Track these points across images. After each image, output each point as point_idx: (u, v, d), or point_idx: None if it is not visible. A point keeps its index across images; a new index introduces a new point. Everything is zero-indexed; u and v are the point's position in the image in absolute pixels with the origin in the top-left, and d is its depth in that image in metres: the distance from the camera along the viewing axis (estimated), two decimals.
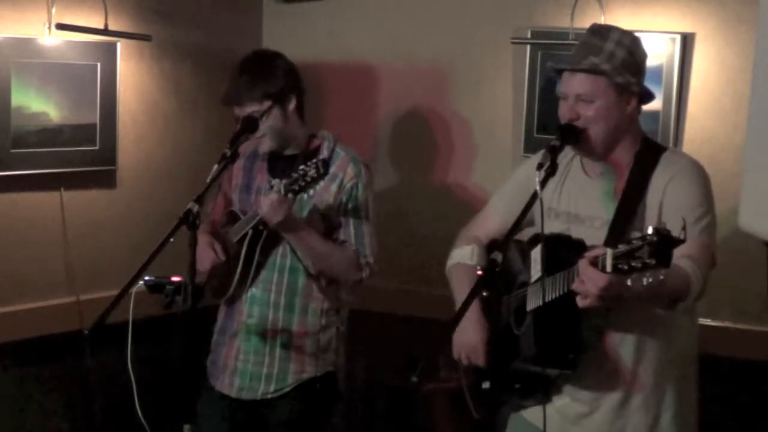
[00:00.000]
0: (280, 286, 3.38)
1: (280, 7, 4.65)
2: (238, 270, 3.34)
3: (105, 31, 3.90)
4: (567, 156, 2.86)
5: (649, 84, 2.84)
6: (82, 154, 3.99)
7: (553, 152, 2.68)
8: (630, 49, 2.75)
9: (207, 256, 3.39)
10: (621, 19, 3.77)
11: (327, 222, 3.38)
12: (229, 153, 3.14)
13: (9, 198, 3.86)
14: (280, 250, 3.37)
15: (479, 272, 2.97)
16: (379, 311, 4.30)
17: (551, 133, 2.81)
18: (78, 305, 4.00)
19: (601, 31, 2.79)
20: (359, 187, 3.38)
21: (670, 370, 2.80)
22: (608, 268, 2.35)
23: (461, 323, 2.67)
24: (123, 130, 4.12)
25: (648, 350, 2.77)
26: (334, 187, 3.34)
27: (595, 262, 2.41)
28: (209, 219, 3.54)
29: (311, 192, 3.16)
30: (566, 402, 2.84)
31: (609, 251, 2.35)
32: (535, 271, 2.70)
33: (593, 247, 2.59)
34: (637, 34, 2.85)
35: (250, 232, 3.30)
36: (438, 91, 4.38)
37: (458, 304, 2.90)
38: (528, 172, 2.80)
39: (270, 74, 3.36)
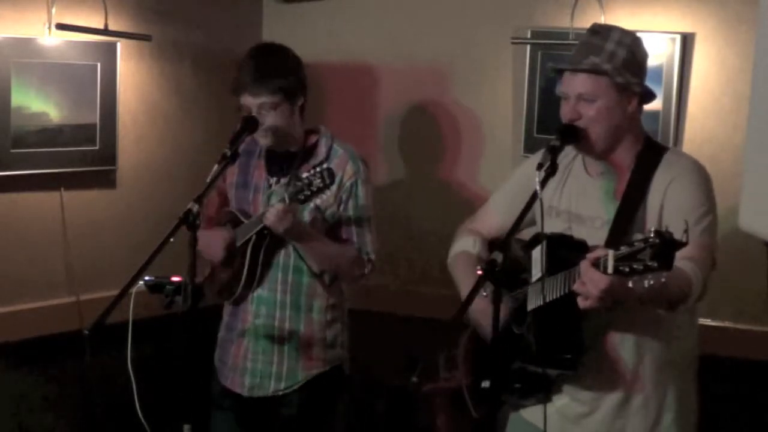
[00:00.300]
0: (285, 286, 3.40)
1: (280, 7, 4.65)
2: (244, 272, 3.35)
3: (105, 31, 3.90)
4: (569, 155, 2.86)
5: (649, 84, 2.84)
6: (82, 154, 3.99)
7: (553, 152, 2.68)
8: (631, 48, 2.75)
9: (217, 243, 3.38)
10: (621, 19, 3.77)
11: (328, 220, 3.38)
12: (229, 153, 3.14)
13: (9, 198, 3.86)
14: (283, 250, 3.38)
15: (479, 272, 2.97)
16: (379, 311, 4.30)
17: (551, 133, 2.81)
18: (78, 305, 4.00)
19: (602, 31, 2.79)
20: (359, 184, 3.39)
21: (670, 370, 2.80)
22: (609, 270, 2.35)
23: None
24: (123, 130, 4.11)
25: (648, 350, 2.77)
26: (334, 186, 3.34)
27: (596, 264, 2.41)
28: (204, 217, 3.53)
29: (317, 201, 3.15)
30: (566, 402, 2.84)
31: (611, 253, 2.35)
32: (536, 270, 2.70)
33: (595, 247, 2.59)
34: (637, 34, 2.85)
35: (254, 236, 3.30)
36: (438, 91, 4.38)
37: (462, 292, 2.90)
38: (528, 171, 2.80)
39: (285, 69, 3.35)
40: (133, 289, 2.90)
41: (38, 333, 3.92)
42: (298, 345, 3.41)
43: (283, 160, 3.40)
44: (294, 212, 3.18)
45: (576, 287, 2.48)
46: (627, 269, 2.32)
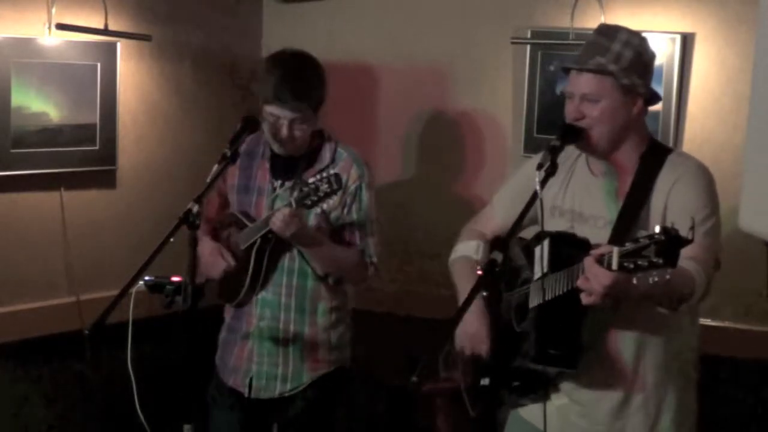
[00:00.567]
0: (289, 289, 3.40)
1: (280, 7, 4.65)
2: (249, 276, 3.35)
3: (105, 31, 3.90)
4: (573, 154, 2.86)
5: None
6: (82, 154, 3.99)
7: (553, 152, 2.69)
8: (638, 50, 2.75)
9: (217, 262, 3.39)
10: (621, 19, 3.76)
11: (332, 223, 3.39)
12: (229, 153, 3.14)
13: (9, 198, 3.86)
14: (288, 254, 3.38)
15: (479, 272, 2.97)
16: (380, 311, 4.30)
17: (551, 133, 2.81)
18: (78, 305, 4.00)
19: (608, 32, 2.78)
20: (363, 188, 3.40)
21: (671, 370, 2.80)
22: (614, 266, 2.35)
23: (464, 317, 2.67)
24: (123, 130, 4.11)
25: (649, 350, 2.77)
26: (335, 198, 3.33)
27: (600, 260, 2.41)
28: (203, 218, 3.53)
29: (324, 206, 3.14)
30: (566, 402, 2.84)
31: (615, 249, 2.35)
32: (539, 268, 2.70)
33: (598, 245, 2.59)
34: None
35: (259, 240, 3.30)
36: (438, 91, 4.38)
37: (461, 297, 2.90)
38: (530, 171, 2.80)
39: (320, 84, 3.35)
40: (133, 289, 2.90)
41: (38, 333, 3.92)
42: (302, 347, 3.42)
43: (288, 164, 3.40)
44: (300, 217, 3.18)
45: (580, 283, 2.48)
46: (632, 266, 2.32)
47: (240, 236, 3.38)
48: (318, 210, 3.24)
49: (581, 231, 2.78)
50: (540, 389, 2.83)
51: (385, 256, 3.49)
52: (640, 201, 2.73)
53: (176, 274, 3.05)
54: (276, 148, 3.38)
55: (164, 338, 3.37)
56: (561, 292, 2.60)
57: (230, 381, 3.49)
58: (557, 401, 2.84)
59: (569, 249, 2.66)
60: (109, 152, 4.07)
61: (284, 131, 3.29)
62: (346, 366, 3.52)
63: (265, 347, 3.43)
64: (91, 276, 4.05)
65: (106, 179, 4.12)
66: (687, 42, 3.85)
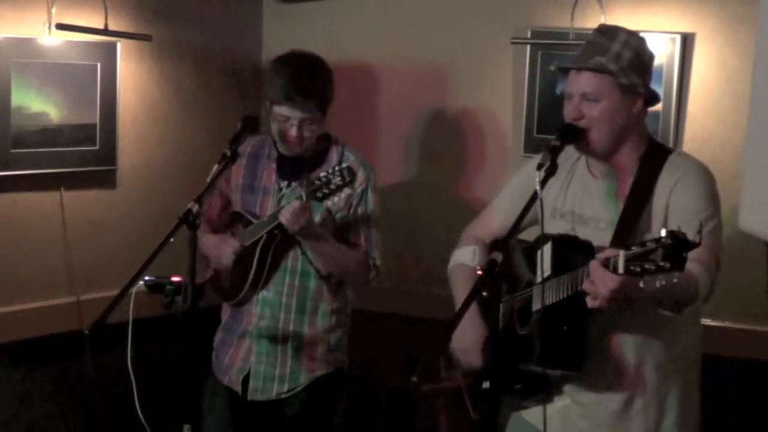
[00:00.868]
0: (291, 289, 3.40)
1: (280, 7, 4.65)
2: (252, 273, 3.35)
3: (105, 31, 3.90)
4: (573, 156, 2.85)
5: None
6: (82, 154, 3.99)
7: (553, 152, 2.68)
8: (637, 50, 2.75)
9: (225, 250, 3.38)
10: (621, 19, 3.76)
11: (336, 224, 3.39)
12: (229, 153, 3.14)
13: (9, 198, 3.86)
14: (291, 253, 3.38)
15: (479, 272, 2.97)
16: (380, 311, 4.30)
17: (551, 133, 2.81)
18: (78, 305, 4.00)
19: (608, 32, 2.78)
20: (369, 190, 3.42)
21: (673, 371, 2.80)
22: (620, 270, 2.35)
23: (459, 325, 2.67)
24: (123, 130, 4.11)
25: (651, 352, 2.77)
26: (346, 191, 3.33)
27: (606, 264, 2.41)
28: (204, 218, 3.53)
29: (335, 199, 3.14)
30: (567, 403, 2.83)
31: (621, 253, 2.34)
32: (541, 271, 2.69)
33: (600, 248, 2.59)
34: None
35: (265, 236, 3.30)
36: (438, 91, 4.38)
37: (458, 305, 2.90)
38: (530, 172, 2.80)
39: (330, 85, 3.38)
40: (133, 289, 2.90)
41: (38, 333, 3.92)
42: (301, 348, 3.42)
43: (295, 165, 3.40)
44: (310, 211, 3.18)
45: (585, 286, 2.47)
46: (638, 269, 2.31)
47: (244, 233, 3.38)
48: (323, 207, 3.23)
49: (582, 233, 2.78)
50: (542, 392, 2.82)
51: (385, 256, 3.49)
52: (641, 202, 2.72)
53: (176, 274, 3.05)
54: (283, 149, 3.39)
55: (164, 338, 3.37)
56: (564, 296, 2.60)
57: (225, 379, 3.49)
58: (559, 402, 2.84)
59: (572, 252, 2.65)
60: (109, 152, 4.07)
61: (294, 132, 3.30)
62: (344, 368, 3.52)
63: (264, 347, 3.43)
64: (91, 276, 4.05)
65: (106, 179, 4.12)
66: (687, 42, 3.85)
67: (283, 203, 3.36)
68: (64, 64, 3.88)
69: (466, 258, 3.06)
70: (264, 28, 4.68)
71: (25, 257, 3.91)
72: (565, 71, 2.82)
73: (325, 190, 3.08)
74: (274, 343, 3.42)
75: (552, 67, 4.02)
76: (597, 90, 2.72)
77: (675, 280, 2.29)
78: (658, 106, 3.78)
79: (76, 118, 3.94)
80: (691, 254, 2.31)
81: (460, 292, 2.97)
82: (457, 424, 3.92)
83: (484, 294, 2.95)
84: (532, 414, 2.91)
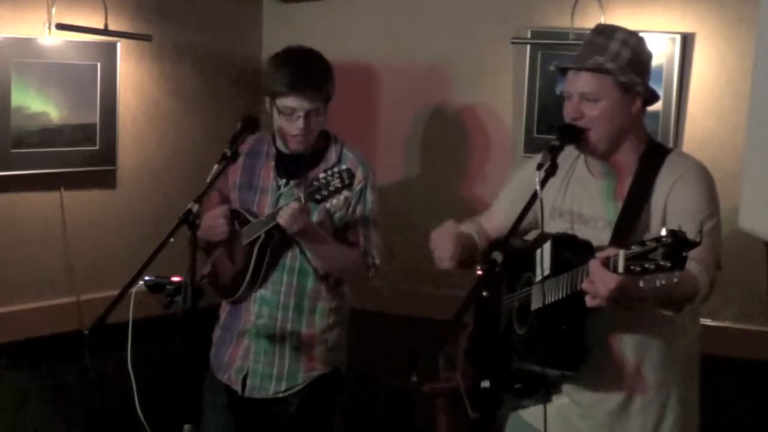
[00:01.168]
0: (289, 288, 3.40)
1: (280, 7, 4.65)
2: (250, 271, 3.35)
3: (105, 31, 3.90)
4: (572, 155, 2.85)
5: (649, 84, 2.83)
6: (82, 154, 3.99)
7: (553, 152, 2.68)
8: (636, 49, 2.75)
9: (217, 220, 3.36)
10: (621, 19, 3.76)
11: (335, 223, 3.39)
12: (229, 153, 3.14)
13: (9, 198, 3.86)
14: (290, 252, 3.38)
15: (479, 272, 2.97)
16: (379, 311, 4.30)
17: (551, 133, 2.81)
18: (78, 305, 4.00)
19: (606, 31, 2.78)
20: (368, 189, 3.41)
21: (672, 371, 2.79)
22: (620, 269, 2.34)
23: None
24: (123, 130, 4.11)
25: (651, 351, 2.77)
26: (345, 194, 3.33)
27: (606, 263, 2.40)
28: (202, 216, 3.52)
29: (334, 201, 3.14)
30: (566, 403, 2.83)
31: (622, 252, 2.34)
32: (541, 270, 2.69)
33: (600, 248, 2.59)
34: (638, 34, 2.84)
35: (263, 235, 3.30)
36: (438, 91, 4.38)
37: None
38: (530, 172, 2.80)
39: (332, 75, 3.38)
40: (133, 289, 2.91)
41: (38, 333, 3.92)
42: (299, 347, 3.42)
43: (293, 163, 3.40)
44: (308, 212, 3.18)
45: (585, 286, 2.47)
46: (638, 268, 2.31)
47: (243, 231, 3.38)
48: (321, 206, 3.23)
49: (581, 232, 2.78)
50: (541, 391, 2.82)
51: (385, 255, 3.49)
52: (640, 201, 2.72)
53: (176, 274, 3.05)
54: (282, 146, 3.38)
55: (164, 338, 3.37)
56: (564, 295, 2.59)
57: (224, 378, 3.49)
58: (558, 401, 2.84)
59: (571, 251, 2.65)
60: (109, 152, 4.07)
61: (301, 124, 3.29)
62: (341, 368, 3.52)
63: (262, 346, 3.42)
64: (91, 276, 4.05)
65: (106, 179, 4.12)
66: (687, 42, 3.85)
67: (281, 202, 3.36)
68: (64, 64, 3.88)
69: (470, 229, 3.05)
70: (264, 28, 4.68)
71: (25, 257, 3.91)
72: (564, 71, 2.82)
73: (324, 192, 3.07)
74: (272, 342, 3.41)
75: (552, 67, 4.02)
76: (596, 90, 2.72)
77: (675, 280, 2.29)
78: (658, 106, 3.79)
79: (76, 118, 3.94)
80: (691, 254, 2.31)
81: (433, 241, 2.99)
82: (456, 424, 3.92)
83: (484, 294, 2.95)
84: (531, 414, 2.91)
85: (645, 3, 3.92)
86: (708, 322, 3.72)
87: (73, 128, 3.94)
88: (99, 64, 3.98)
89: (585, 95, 2.74)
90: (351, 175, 3.08)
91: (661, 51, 3.82)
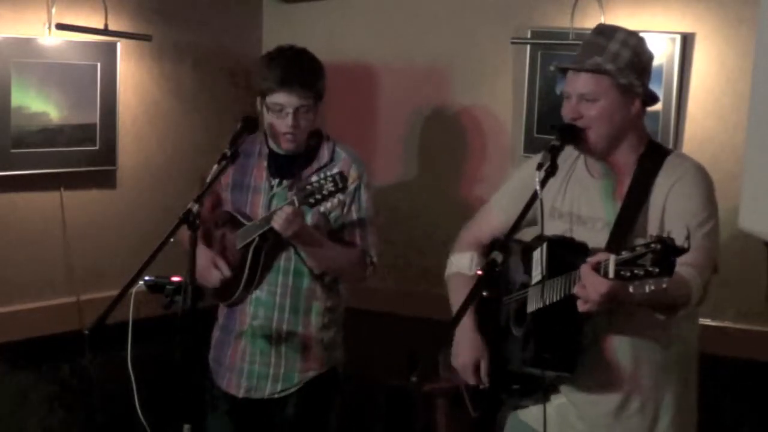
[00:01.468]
0: (285, 289, 3.39)
1: (280, 7, 4.65)
2: (245, 274, 3.35)
3: (105, 31, 3.90)
4: (572, 156, 2.85)
5: (649, 84, 2.83)
6: (82, 154, 3.99)
7: (553, 152, 2.68)
8: (635, 50, 2.74)
9: (212, 273, 3.37)
10: (621, 19, 3.76)
11: (331, 223, 3.39)
12: (229, 153, 3.14)
13: (9, 198, 3.86)
14: (284, 254, 3.38)
15: (479, 272, 2.97)
16: (379, 311, 4.30)
17: (551, 133, 2.81)
18: (78, 305, 4.00)
19: (606, 32, 2.78)
20: (362, 187, 3.40)
21: (669, 373, 2.79)
22: (610, 274, 2.34)
23: (455, 341, 2.64)
24: (123, 130, 4.11)
25: (647, 353, 2.77)
26: (339, 197, 3.32)
27: (597, 268, 2.40)
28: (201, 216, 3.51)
29: (328, 205, 3.13)
30: (564, 402, 2.83)
31: (612, 257, 2.34)
32: (537, 272, 2.69)
33: (597, 249, 2.59)
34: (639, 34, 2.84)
35: (257, 238, 3.29)
36: (438, 91, 4.38)
37: (453, 308, 2.90)
38: (529, 171, 2.79)
39: (322, 73, 3.39)
40: (133, 289, 2.91)
41: (38, 333, 3.92)
42: (295, 347, 3.41)
43: (285, 162, 3.40)
44: (303, 216, 3.18)
45: (576, 290, 2.47)
46: (628, 274, 2.31)
47: (237, 234, 3.38)
48: (321, 209, 3.23)
49: (579, 233, 2.77)
50: (538, 392, 2.82)
51: (385, 255, 3.49)
52: (639, 203, 2.72)
53: (176, 274, 3.05)
54: (276, 144, 3.38)
55: (164, 338, 3.37)
56: (558, 298, 2.60)
57: (224, 382, 3.48)
58: (556, 401, 2.84)
59: (567, 253, 2.65)
60: (109, 152, 4.07)
61: (290, 121, 3.29)
62: (338, 368, 3.51)
63: (258, 346, 3.42)
64: (91, 276, 4.05)
65: (106, 179, 4.12)
66: (687, 42, 3.85)
67: (274, 202, 3.36)
68: (64, 64, 3.88)
69: (463, 266, 3.05)
70: (264, 28, 4.68)
71: (25, 257, 3.91)
72: (563, 71, 2.82)
73: (318, 196, 3.07)
74: (269, 343, 3.41)
75: (552, 68, 4.02)
76: (594, 90, 2.72)
77: (664, 285, 2.29)
78: (658, 106, 3.78)
79: (76, 118, 3.94)
80: (685, 258, 2.31)
81: (458, 301, 2.95)
82: (456, 424, 3.92)
83: (485, 294, 2.95)
84: (529, 414, 2.91)
85: (645, 3, 3.92)
86: (708, 322, 3.72)
87: (73, 128, 3.94)
88: (99, 64, 3.98)
89: (583, 96, 2.73)
90: (344, 178, 3.08)
91: (661, 51, 3.82)
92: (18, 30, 3.77)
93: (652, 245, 2.26)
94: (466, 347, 2.92)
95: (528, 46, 4.11)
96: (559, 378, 2.78)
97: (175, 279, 3.06)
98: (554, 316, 2.64)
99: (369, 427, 4.48)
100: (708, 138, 3.87)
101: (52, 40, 3.83)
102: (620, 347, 2.76)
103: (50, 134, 3.88)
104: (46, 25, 3.82)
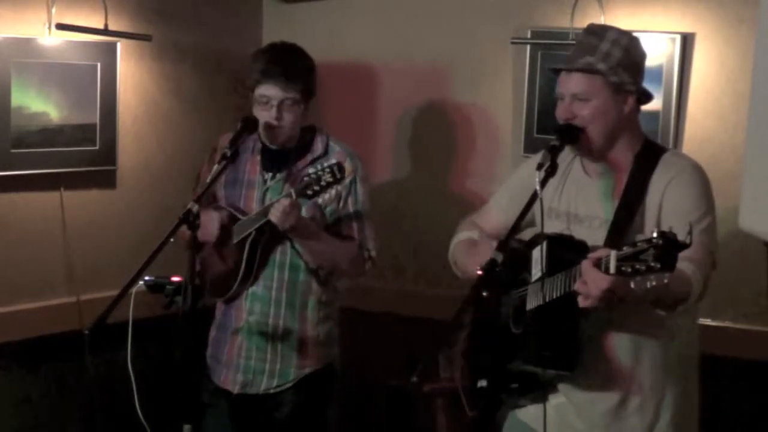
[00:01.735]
0: (281, 283, 3.39)
1: (280, 7, 4.65)
2: (242, 269, 3.35)
3: (105, 31, 3.90)
4: (568, 156, 2.85)
5: (649, 84, 2.84)
6: (82, 154, 3.99)
7: (553, 152, 2.69)
8: (627, 48, 2.75)
9: (212, 223, 3.34)
10: (621, 19, 3.77)
11: (326, 217, 3.39)
12: (229, 153, 3.14)
13: (9, 198, 3.86)
14: (279, 248, 3.37)
15: (479, 272, 2.97)
16: (380, 311, 4.30)
17: (551, 133, 2.81)
18: (78, 305, 4.00)
19: (597, 31, 2.79)
20: (357, 181, 3.40)
21: (669, 372, 2.79)
22: (612, 270, 2.35)
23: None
24: (123, 130, 4.11)
25: (646, 351, 2.77)
26: (336, 188, 3.32)
27: (598, 264, 2.41)
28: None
29: (326, 196, 3.14)
30: (563, 401, 2.83)
31: (613, 253, 2.35)
32: (536, 270, 2.69)
33: (595, 247, 2.59)
34: (636, 34, 2.84)
35: (254, 232, 3.29)
36: (438, 91, 4.38)
37: (467, 264, 2.90)
38: (529, 171, 2.80)
39: (311, 70, 3.39)
40: (133, 289, 2.91)
41: (38, 333, 3.92)
42: (292, 343, 3.41)
43: (278, 156, 3.40)
44: (300, 208, 3.18)
45: (577, 287, 2.48)
46: (629, 270, 2.31)
47: (233, 229, 3.37)
48: (311, 202, 3.22)
49: (577, 232, 2.78)
50: (538, 391, 2.82)
51: (385, 256, 3.49)
52: (635, 201, 2.72)
53: (176, 274, 3.05)
54: (266, 138, 3.38)
55: (164, 338, 3.38)
56: (558, 295, 2.60)
57: (221, 379, 3.48)
58: (555, 400, 2.84)
59: (567, 251, 2.65)
60: (109, 152, 4.07)
61: (273, 113, 3.29)
62: (334, 363, 3.51)
63: (254, 342, 3.42)
64: (91, 276, 4.05)
65: (106, 179, 4.12)
66: (687, 42, 3.85)
67: (268, 196, 3.36)
68: (64, 64, 3.88)
69: (470, 235, 3.04)
70: (264, 28, 4.68)
71: (25, 257, 3.91)
72: (556, 72, 2.82)
73: (316, 187, 3.07)
74: (265, 338, 3.41)
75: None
76: (587, 90, 2.73)
77: (666, 281, 2.30)
78: (658, 106, 3.79)
79: (76, 118, 3.94)
80: (685, 253, 2.31)
81: (470, 256, 2.92)
82: (456, 424, 3.92)
83: (485, 294, 2.95)
84: (528, 414, 2.91)
85: (645, 3, 3.92)
86: (708, 322, 3.72)
87: (73, 128, 3.94)
88: (99, 64, 3.98)
89: (576, 95, 2.74)
90: (342, 169, 3.08)
91: (661, 51, 3.82)
92: (18, 30, 3.77)
93: (654, 240, 2.27)
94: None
95: (528, 46, 4.11)
96: (558, 377, 2.78)
97: (175, 279, 3.06)
98: (554, 314, 2.64)
99: (369, 427, 4.48)
100: (708, 138, 3.87)
101: (52, 40, 3.83)
102: (620, 346, 2.76)
103: (50, 134, 3.88)
104: (46, 25, 3.82)
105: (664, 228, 2.30)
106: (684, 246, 2.26)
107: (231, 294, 3.42)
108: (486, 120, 4.30)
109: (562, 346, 2.68)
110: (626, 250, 2.33)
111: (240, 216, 3.37)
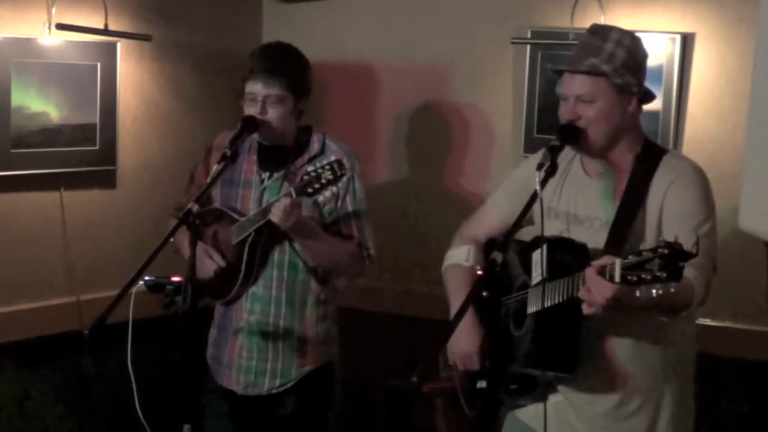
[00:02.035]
0: (280, 283, 3.39)
1: (280, 7, 4.65)
2: (242, 270, 3.34)
3: (105, 31, 3.90)
4: (568, 156, 2.85)
5: (649, 84, 2.83)
6: (82, 154, 3.99)
7: (553, 152, 2.68)
8: (630, 49, 2.75)
9: (206, 264, 3.37)
10: (621, 19, 3.77)
11: (324, 216, 3.38)
12: (229, 153, 3.14)
13: (9, 198, 3.86)
14: (278, 247, 3.37)
15: (479, 272, 2.97)
16: (380, 311, 4.30)
17: (551, 133, 2.81)
18: (78, 305, 4.00)
19: (600, 32, 2.78)
20: (355, 179, 3.39)
21: (667, 373, 2.79)
22: (616, 279, 2.34)
23: (456, 331, 2.66)
24: (123, 130, 4.12)
25: (645, 353, 2.76)
26: (337, 186, 3.32)
27: (602, 272, 2.40)
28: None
29: (327, 194, 3.14)
30: (562, 401, 2.83)
31: (618, 261, 2.34)
32: (537, 273, 2.69)
33: (595, 249, 2.59)
34: (636, 34, 2.84)
35: (253, 233, 3.29)
36: (438, 91, 4.38)
37: (452, 306, 2.91)
38: (528, 171, 2.80)
39: (299, 68, 3.38)
40: (133, 289, 2.90)
41: (38, 333, 3.92)
42: (292, 342, 3.41)
43: (275, 155, 3.39)
44: (301, 207, 3.17)
45: (581, 294, 2.47)
46: (634, 278, 2.31)
47: (233, 229, 3.36)
48: (310, 201, 3.22)
49: (576, 232, 2.77)
50: (537, 392, 2.82)
51: (385, 255, 3.49)
52: (636, 203, 2.72)
53: (176, 274, 3.06)
54: (262, 138, 3.37)
55: (164, 338, 3.38)
56: (560, 300, 2.59)
57: (224, 380, 3.48)
58: (554, 399, 2.84)
59: (567, 254, 2.65)
60: (109, 152, 4.07)
61: (257, 109, 3.29)
62: (334, 362, 3.51)
63: (255, 342, 3.42)
64: (91, 276, 4.05)
65: (106, 179, 4.12)
66: (687, 42, 3.85)
67: (265, 196, 3.35)
68: (64, 64, 3.88)
69: (460, 258, 3.05)
70: (264, 28, 4.68)
71: (25, 257, 3.91)
72: (559, 72, 2.82)
73: (316, 185, 3.06)
74: (265, 338, 3.40)
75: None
76: (591, 92, 2.72)
77: (672, 290, 2.29)
78: (658, 106, 3.79)
79: (76, 118, 3.94)
80: None
81: (454, 293, 2.97)
82: (456, 424, 3.92)
83: (484, 294, 2.95)
84: (527, 414, 2.91)
85: (645, 3, 3.92)
86: (707, 322, 3.72)
87: (73, 128, 3.94)
88: (99, 64, 3.98)
89: (580, 97, 2.73)
90: (342, 166, 3.07)
91: (661, 51, 3.82)
92: (18, 30, 3.77)
93: (660, 250, 2.26)
94: (466, 333, 2.90)
95: (528, 46, 4.11)
96: (557, 378, 2.78)
97: (175, 279, 3.06)
98: (555, 318, 2.63)
99: (369, 426, 4.48)
100: (708, 138, 3.87)
101: (52, 40, 3.84)
102: (619, 347, 2.76)
103: (50, 134, 3.88)
104: (46, 25, 3.82)
105: (665, 232, 2.30)
106: (690, 256, 2.25)
107: (232, 296, 3.41)
108: (486, 120, 4.30)
109: (563, 349, 2.68)
110: (631, 258, 2.32)
111: (237, 217, 3.36)
